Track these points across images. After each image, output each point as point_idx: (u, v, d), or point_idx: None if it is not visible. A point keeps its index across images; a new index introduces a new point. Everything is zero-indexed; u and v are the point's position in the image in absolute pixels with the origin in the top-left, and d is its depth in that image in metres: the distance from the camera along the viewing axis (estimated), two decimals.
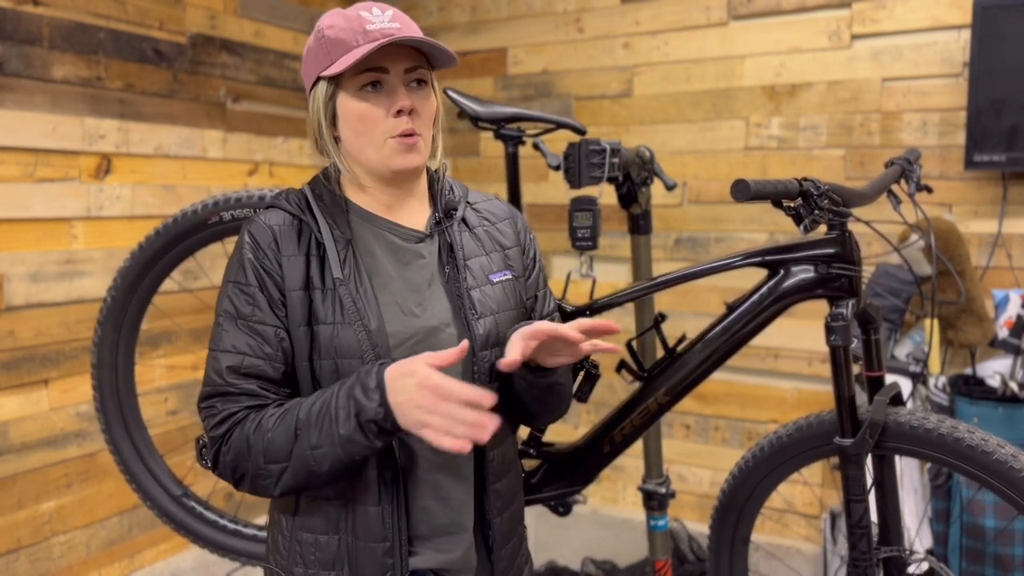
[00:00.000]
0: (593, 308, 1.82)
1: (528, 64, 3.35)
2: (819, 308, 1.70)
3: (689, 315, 2.96)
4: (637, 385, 1.82)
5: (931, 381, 2.56)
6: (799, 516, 2.98)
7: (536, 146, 2.03)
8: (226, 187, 2.98)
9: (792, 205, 1.51)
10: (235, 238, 1.90)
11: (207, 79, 2.91)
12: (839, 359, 1.62)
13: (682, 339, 1.78)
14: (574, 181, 1.90)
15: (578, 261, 1.95)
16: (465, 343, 1.11)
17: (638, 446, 2.01)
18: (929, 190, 1.96)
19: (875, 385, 1.70)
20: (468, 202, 1.37)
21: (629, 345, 1.82)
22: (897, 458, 1.71)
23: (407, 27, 1.23)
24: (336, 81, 1.23)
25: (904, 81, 2.71)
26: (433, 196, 1.35)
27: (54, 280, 2.49)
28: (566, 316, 1.83)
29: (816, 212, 1.49)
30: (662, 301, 2.95)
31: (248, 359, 1.20)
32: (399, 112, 1.21)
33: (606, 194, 2.00)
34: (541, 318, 1.41)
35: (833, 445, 1.65)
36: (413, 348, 1.22)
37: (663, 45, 3.08)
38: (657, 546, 2.17)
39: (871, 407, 1.64)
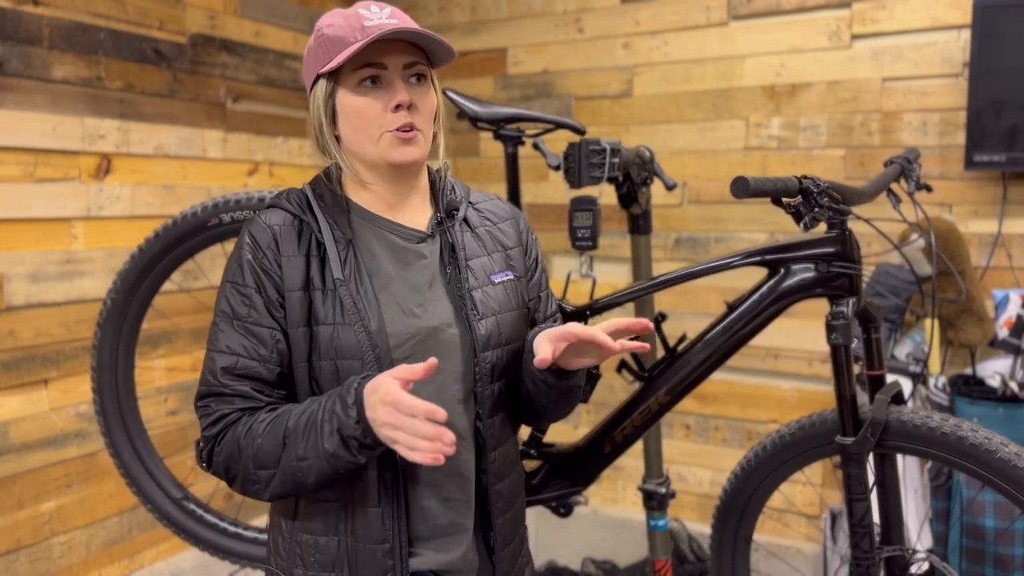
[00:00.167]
0: (593, 308, 1.82)
1: (528, 64, 3.35)
2: (819, 308, 1.70)
3: (689, 315, 2.96)
4: (638, 385, 1.82)
5: (931, 381, 2.56)
6: (799, 516, 2.98)
7: (536, 146, 2.03)
8: (226, 187, 2.98)
9: (792, 203, 1.51)
10: (235, 240, 1.90)
11: (207, 79, 2.91)
12: (840, 358, 1.62)
13: (682, 339, 1.78)
14: (574, 181, 1.90)
15: (578, 261, 1.95)
16: (433, 360, 1.08)
17: (638, 446, 2.01)
18: (929, 189, 1.96)
19: (876, 384, 1.71)
20: (470, 202, 1.37)
21: None
22: (899, 457, 1.71)
23: (405, 23, 1.23)
24: (335, 78, 1.23)
25: (904, 81, 2.71)
26: (435, 196, 1.34)
27: (54, 280, 2.49)
28: (566, 316, 1.83)
29: (816, 210, 1.49)
30: (662, 301, 2.95)
31: (242, 360, 1.20)
32: (397, 107, 1.21)
33: (606, 194, 1.99)
34: (543, 320, 1.40)
35: (835, 444, 1.65)
36: (414, 349, 1.22)
37: (663, 45, 3.08)
38: (657, 546, 2.17)
39: (872, 406, 1.64)
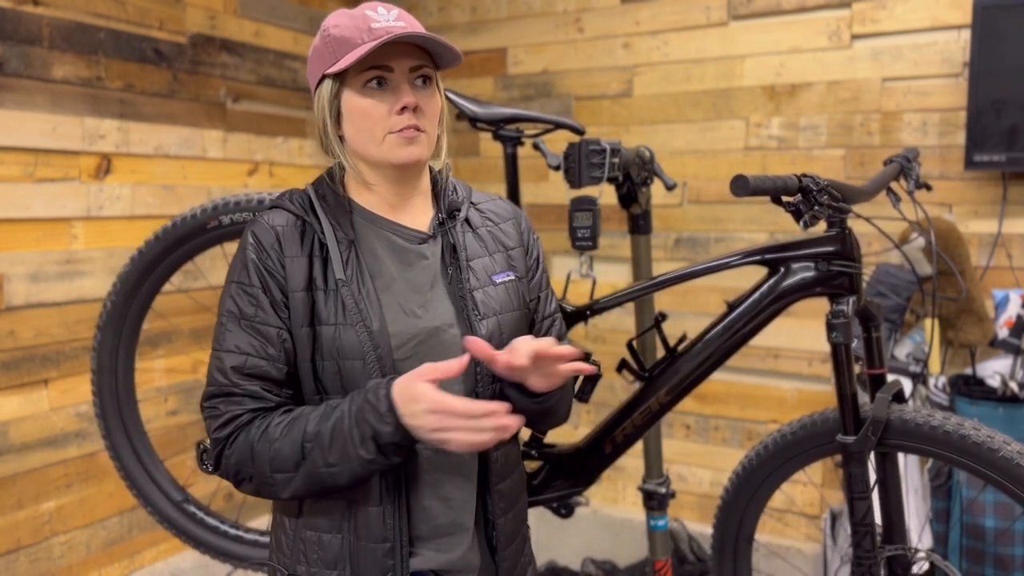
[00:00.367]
0: (593, 308, 1.82)
1: (528, 64, 3.35)
2: (819, 308, 1.70)
3: (689, 315, 2.96)
4: (638, 385, 1.82)
5: (931, 381, 2.56)
6: (800, 515, 2.98)
7: (536, 146, 2.03)
8: (226, 187, 2.98)
9: (792, 201, 1.51)
10: (234, 242, 1.90)
11: (207, 79, 2.91)
12: (840, 356, 1.62)
13: (683, 339, 1.78)
14: (574, 181, 1.90)
15: (578, 261, 1.95)
16: (467, 357, 1.13)
17: (638, 446, 2.01)
18: (928, 188, 1.96)
19: (877, 383, 1.70)
20: (472, 202, 1.37)
21: (630, 345, 1.82)
22: (900, 456, 1.71)
23: (412, 26, 1.23)
24: (341, 79, 1.23)
25: (904, 81, 2.72)
26: (436, 196, 1.35)
27: (54, 280, 2.49)
28: (566, 316, 1.82)
29: (815, 208, 1.49)
30: (662, 301, 2.95)
31: (252, 359, 1.20)
32: (403, 109, 1.21)
33: (606, 194, 1.99)
34: (543, 319, 1.41)
35: (836, 443, 1.65)
36: (415, 349, 1.22)
37: (663, 45, 3.08)
38: (657, 546, 2.17)
39: (873, 404, 1.64)
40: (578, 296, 2.05)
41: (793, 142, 2.90)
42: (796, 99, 2.88)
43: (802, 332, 2.86)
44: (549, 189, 3.33)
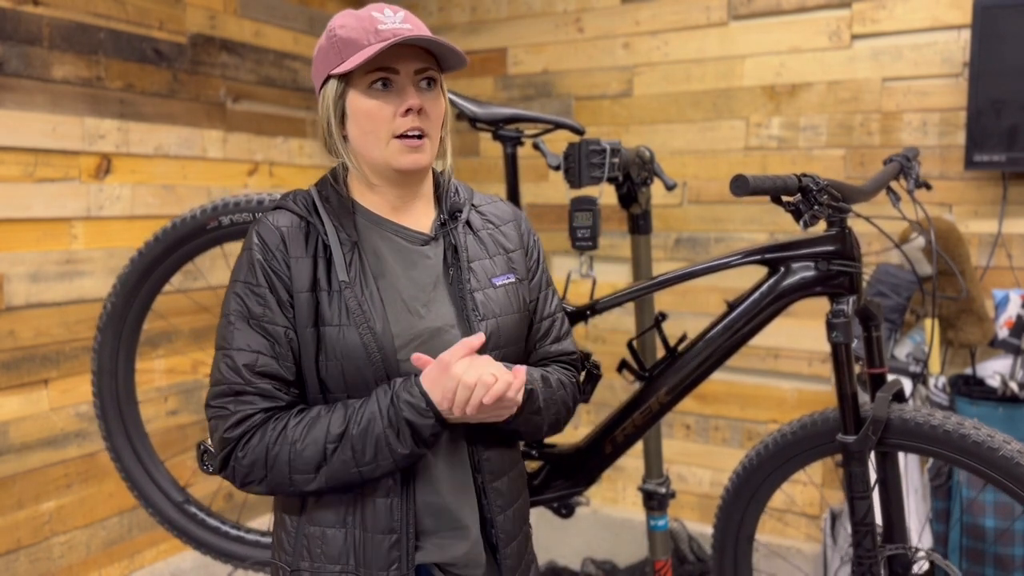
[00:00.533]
0: (594, 308, 1.82)
1: (528, 64, 3.35)
2: (819, 308, 1.70)
3: (689, 315, 2.96)
4: (638, 385, 1.82)
5: (931, 381, 2.56)
6: (800, 515, 2.98)
7: (536, 146, 2.03)
8: (226, 187, 2.98)
9: (791, 201, 1.51)
10: (234, 243, 1.90)
11: (207, 79, 2.91)
12: (840, 356, 1.62)
13: (683, 338, 1.78)
14: (574, 181, 1.90)
15: (578, 261, 1.95)
16: (482, 336, 1.19)
17: (638, 446, 2.01)
18: (928, 187, 1.96)
19: (877, 382, 1.70)
20: (473, 204, 1.38)
21: (630, 345, 1.82)
22: (900, 456, 1.71)
23: (418, 29, 1.24)
24: (346, 79, 1.24)
25: (904, 81, 2.72)
26: (438, 198, 1.36)
27: (54, 280, 2.49)
28: (567, 316, 1.82)
29: (815, 208, 1.49)
30: (662, 301, 2.95)
31: (262, 358, 1.21)
32: (408, 111, 1.22)
33: (606, 194, 1.99)
34: (543, 319, 1.42)
35: (836, 443, 1.65)
36: (418, 349, 1.24)
37: (663, 45, 3.08)
38: (657, 546, 2.17)
39: (873, 404, 1.64)
40: (578, 296, 2.05)
41: (793, 142, 2.90)
42: (796, 99, 2.88)
43: (802, 332, 2.86)
44: (549, 189, 3.33)
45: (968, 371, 2.62)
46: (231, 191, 2.98)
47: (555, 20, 3.27)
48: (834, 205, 1.54)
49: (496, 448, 1.32)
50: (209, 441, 1.46)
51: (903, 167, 1.88)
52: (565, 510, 2.01)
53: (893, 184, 2.27)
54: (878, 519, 1.69)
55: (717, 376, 2.16)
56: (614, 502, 3.33)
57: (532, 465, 1.89)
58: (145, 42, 2.71)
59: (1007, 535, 2.36)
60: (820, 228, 1.64)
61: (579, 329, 2.97)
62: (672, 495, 2.15)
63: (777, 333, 2.55)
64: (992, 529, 2.37)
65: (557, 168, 1.93)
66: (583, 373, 1.67)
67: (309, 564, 1.25)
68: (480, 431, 1.28)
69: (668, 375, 1.75)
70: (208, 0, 2.90)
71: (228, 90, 2.99)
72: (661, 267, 2.65)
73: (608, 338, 3.22)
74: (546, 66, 3.31)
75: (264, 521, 2.93)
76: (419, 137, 1.24)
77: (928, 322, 2.52)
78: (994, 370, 2.56)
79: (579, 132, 1.99)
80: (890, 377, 1.74)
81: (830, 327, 1.60)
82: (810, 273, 1.64)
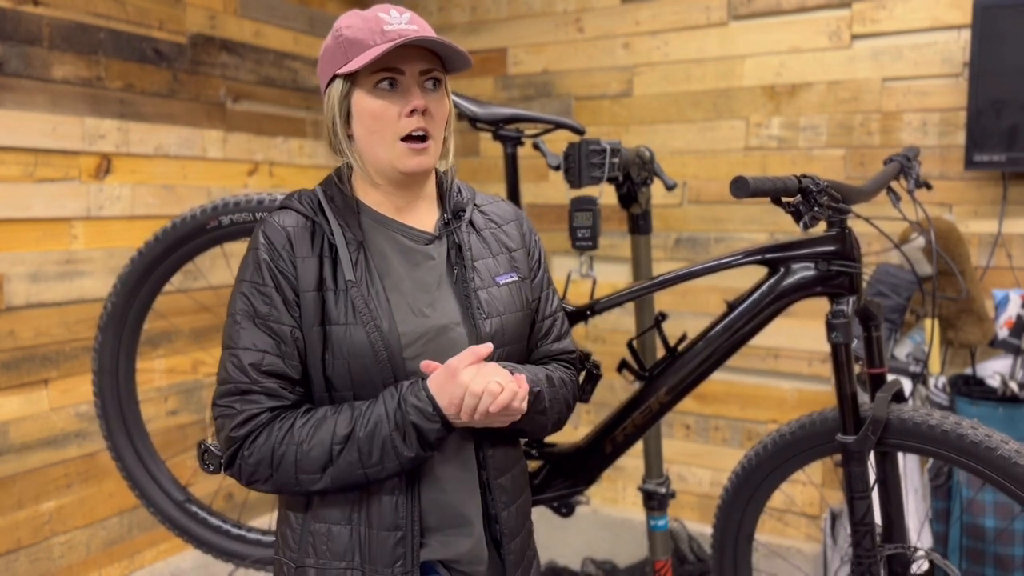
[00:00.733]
0: (594, 308, 1.82)
1: (528, 64, 3.35)
2: (819, 308, 1.70)
3: (689, 315, 2.96)
4: (638, 385, 1.82)
5: (931, 381, 2.56)
6: (800, 515, 2.98)
7: (536, 146, 2.03)
8: (226, 187, 2.98)
9: (791, 202, 1.51)
10: (233, 243, 1.91)
11: (207, 79, 2.91)
12: (840, 356, 1.62)
13: (683, 338, 1.78)
14: (574, 181, 1.90)
15: (578, 261, 1.95)
16: (490, 346, 1.21)
17: (638, 446, 2.01)
18: (928, 187, 1.96)
19: (877, 382, 1.70)
20: (475, 204, 1.39)
21: (630, 345, 1.82)
22: (900, 456, 1.71)
23: (424, 30, 1.25)
24: (352, 79, 1.25)
25: (904, 81, 2.72)
26: (442, 198, 1.37)
27: (54, 280, 2.49)
28: (567, 316, 1.82)
29: (815, 208, 1.49)
30: (662, 301, 2.95)
31: (268, 357, 1.22)
32: (412, 112, 1.23)
33: (606, 194, 1.99)
34: (544, 318, 1.43)
35: (836, 442, 1.65)
36: (424, 347, 1.25)
37: (663, 45, 3.08)
38: (657, 546, 2.17)
39: (873, 404, 1.64)
40: (578, 296, 2.06)
41: (793, 142, 2.90)
42: (796, 99, 2.88)
43: (802, 332, 2.86)
44: (549, 189, 3.33)
45: (968, 371, 2.62)
46: (231, 191, 2.98)
47: (555, 20, 3.27)
48: (834, 206, 1.55)
49: (500, 445, 1.33)
50: (209, 440, 1.46)
51: (903, 167, 1.88)
52: (565, 509, 2.01)
53: (893, 184, 2.27)
54: (878, 519, 1.69)
55: (717, 376, 2.16)
56: (614, 502, 3.33)
57: (532, 464, 1.89)
58: (145, 42, 2.71)
59: (1007, 535, 2.36)
60: (820, 228, 1.65)
61: (579, 329, 2.97)
62: (672, 495, 2.15)
63: (777, 333, 2.55)
64: (992, 529, 2.37)
65: (557, 168, 1.93)
66: (583, 373, 1.67)
67: (314, 560, 1.26)
68: (485, 429, 1.29)
69: (668, 375, 1.75)
70: (208, 0, 2.90)
71: (228, 90, 2.99)
72: (661, 267, 2.65)
73: (608, 338, 3.23)
74: (546, 66, 3.31)
75: (265, 520, 2.93)
76: (423, 139, 1.25)
77: (928, 322, 2.52)
78: (994, 370, 2.56)
79: (579, 132, 1.99)
80: (890, 377, 1.74)
81: (830, 327, 1.60)
82: (810, 273, 1.64)
